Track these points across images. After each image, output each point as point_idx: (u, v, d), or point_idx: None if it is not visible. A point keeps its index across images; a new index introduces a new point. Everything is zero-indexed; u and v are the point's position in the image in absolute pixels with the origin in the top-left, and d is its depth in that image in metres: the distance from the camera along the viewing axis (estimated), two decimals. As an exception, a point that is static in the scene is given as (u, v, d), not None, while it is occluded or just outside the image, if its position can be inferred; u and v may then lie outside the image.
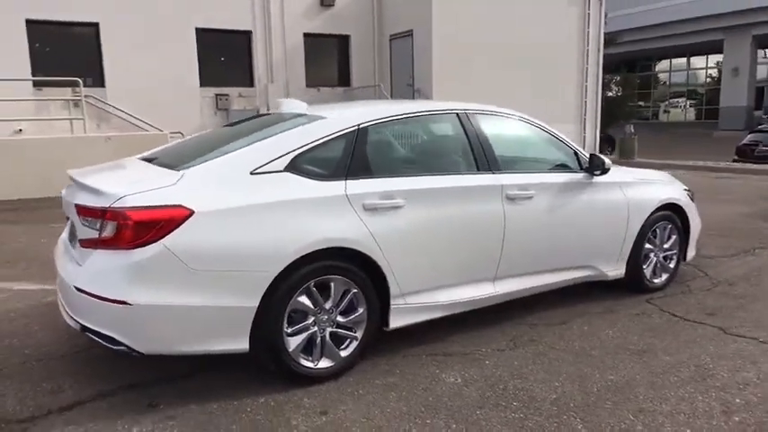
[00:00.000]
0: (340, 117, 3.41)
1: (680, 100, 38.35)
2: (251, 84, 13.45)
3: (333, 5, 14.04)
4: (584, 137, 15.61)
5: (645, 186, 4.60)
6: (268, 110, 13.52)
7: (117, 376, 3.23)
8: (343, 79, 14.65)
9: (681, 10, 30.03)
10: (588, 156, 4.23)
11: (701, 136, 28.94)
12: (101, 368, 3.33)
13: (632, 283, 4.64)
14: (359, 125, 3.37)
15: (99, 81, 11.81)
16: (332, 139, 3.28)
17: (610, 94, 20.84)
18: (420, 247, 3.41)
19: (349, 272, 3.17)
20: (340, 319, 3.21)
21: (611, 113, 19.76)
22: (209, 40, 12.78)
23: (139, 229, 2.69)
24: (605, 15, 16.58)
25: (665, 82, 39.06)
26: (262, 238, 2.90)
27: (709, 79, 36.88)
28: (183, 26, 12.36)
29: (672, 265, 4.85)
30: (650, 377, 3.24)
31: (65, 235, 3.50)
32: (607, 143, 18.20)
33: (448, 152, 3.87)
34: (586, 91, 15.39)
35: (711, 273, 5.29)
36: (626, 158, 16.11)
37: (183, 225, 2.74)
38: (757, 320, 4.09)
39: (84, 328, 2.86)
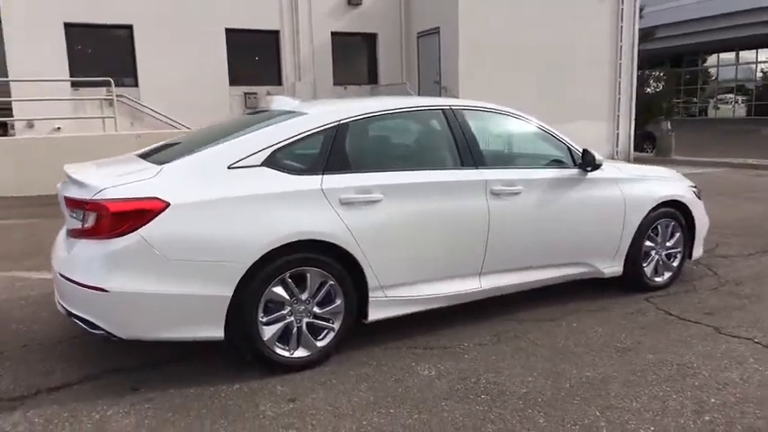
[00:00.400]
0: (321, 113, 3.49)
1: (729, 96, 36.92)
2: (279, 82, 13.68)
3: (360, 4, 14.13)
4: (618, 134, 15.27)
5: (644, 183, 4.50)
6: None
7: (105, 361, 3.39)
8: (371, 77, 14.74)
9: (728, 3, 28.91)
10: (581, 152, 4.17)
11: (749, 133, 27.77)
12: (92, 353, 3.50)
13: (632, 282, 4.56)
14: (339, 121, 3.44)
15: (133, 81, 12.25)
16: (311, 134, 3.36)
17: (648, 90, 20.25)
18: (399, 241, 3.45)
19: (325, 264, 3.24)
20: (317, 310, 3.29)
21: (651, 110, 19.23)
22: (238, 40, 13.07)
23: (117, 219, 2.83)
24: (641, 10, 16.15)
25: (714, 77, 37.67)
26: (235, 229, 3.00)
27: (760, 74, 35.39)
28: (212, 27, 12.68)
29: (675, 264, 4.73)
30: (628, 375, 3.19)
31: (64, 228, 3.69)
32: (647, 140, 17.71)
33: (430, 148, 3.90)
34: (619, 87, 15.02)
35: (722, 272, 5.14)
36: (662, 156, 15.68)
37: (159, 216, 2.87)
38: (757, 321, 3.96)
39: (69, 313, 3.03)
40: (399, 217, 3.43)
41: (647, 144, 17.62)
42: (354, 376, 3.21)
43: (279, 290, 3.15)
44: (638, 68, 16.12)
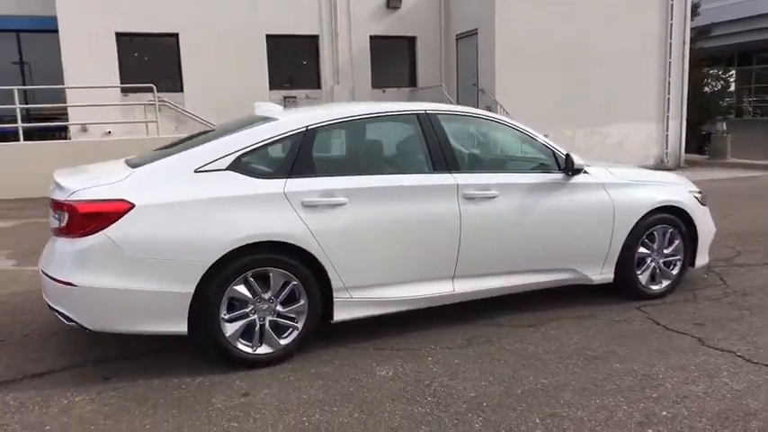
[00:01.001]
0: (290, 119, 3.60)
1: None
2: (318, 86, 13.96)
3: (399, 7, 14.22)
4: (667, 136, 14.65)
5: (637, 188, 4.37)
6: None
7: (91, 352, 3.63)
8: (409, 80, 14.80)
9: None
10: (564, 156, 4.11)
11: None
12: (83, 344, 3.75)
13: (626, 289, 4.44)
14: (307, 127, 3.55)
15: (178, 87, 12.82)
16: (278, 140, 3.48)
17: (706, 89, 19.26)
18: (364, 243, 3.52)
19: (288, 265, 3.35)
20: (280, 308, 3.40)
21: (709, 110, 18.31)
22: (277, 46, 13.43)
23: (86, 219, 3.04)
24: (696, 6, 15.45)
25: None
26: (197, 230, 3.16)
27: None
28: (254, 34, 13.09)
29: (675, 272, 4.57)
30: (585, 383, 3.14)
31: None
32: (707, 141, 16.86)
33: (400, 152, 3.95)
34: (669, 87, 14.41)
35: (733, 281, 4.91)
36: (716, 158, 14.95)
37: (125, 217, 3.06)
38: (747, 333, 3.79)
39: (50, 307, 3.27)
40: (365, 220, 3.50)
41: (707, 146, 16.77)
42: (314, 374, 3.30)
43: (241, 288, 3.29)
44: (696, 66, 15.41)
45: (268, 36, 13.27)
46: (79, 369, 3.42)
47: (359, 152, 3.88)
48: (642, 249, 4.42)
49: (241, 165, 3.36)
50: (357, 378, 3.25)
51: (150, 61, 12.78)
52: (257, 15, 13.02)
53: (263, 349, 3.38)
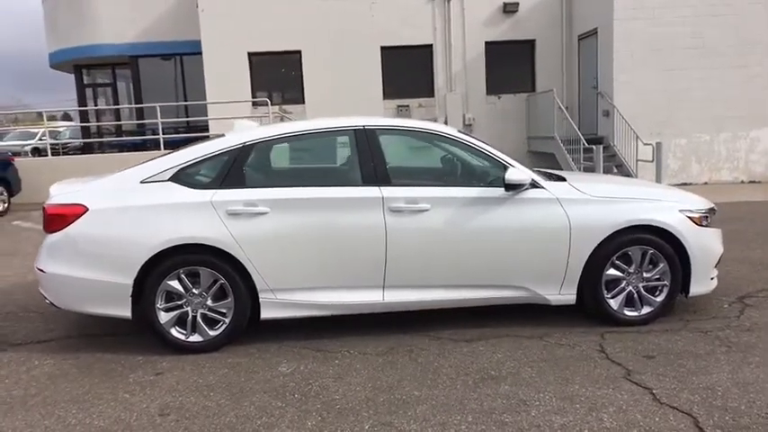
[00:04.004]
0: (234, 136, 4.05)
1: None
2: (431, 94, 14.25)
3: (516, 11, 13.94)
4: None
5: (606, 205, 4.06)
6: (446, 119, 14.19)
7: (87, 328, 4.46)
8: (527, 85, 14.39)
9: None
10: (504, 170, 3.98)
11: None
12: (86, 323, 4.60)
13: (598, 314, 4.16)
14: (244, 143, 3.98)
15: (300, 99, 14.04)
16: (217, 154, 3.96)
17: None
18: (286, 249, 3.84)
19: (215, 265, 3.81)
20: (211, 303, 3.88)
21: None
22: (392, 57, 14.01)
23: (53, 219, 3.82)
24: None
25: None
26: (135, 231, 3.76)
27: None
28: (369, 47, 13.83)
29: (660, 299, 4.15)
30: (452, 400, 3.13)
31: None
32: None
33: (332, 166, 4.16)
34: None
35: (751, 315, 4.31)
36: None
37: (81, 218, 3.78)
38: (693, 372, 3.38)
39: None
40: (286, 228, 3.83)
41: None
42: (227, 363, 3.72)
43: (174, 283, 3.82)
44: None
45: (383, 48, 13.92)
46: (67, 340, 4.24)
47: (287, 166, 4.21)
48: (613, 271, 4.10)
49: (181, 177, 3.90)
50: (257, 371, 3.60)
51: (276, 76, 14.17)
52: (372, 29, 13.73)
53: (195, 338, 3.88)
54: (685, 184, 12.42)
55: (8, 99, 52.84)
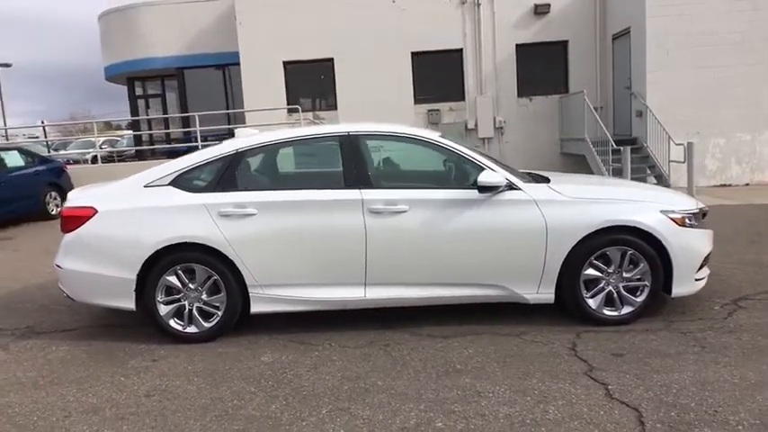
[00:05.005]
0: (228, 143, 4.39)
1: None
2: (461, 98, 14.34)
3: (548, 12, 13.87)
4: None
5: (581, 205, 4.15)
6: (476, 122, 14.26)
7: (102, 319, 4.89)
8: (560, 86, 14.27)
9: None
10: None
11: None
12: (99, 314, 5.03)
13: (578, 313, 4.25)
14: (237, 149, 4.30)
15: (333, 104, 14.43)
16: (213, 161, 4.30)
17: None
18: (272, 248, 4.13)
19: (209, 263, 4.15)
20: (206, 297, 4.22)
21: None
22: (422, 62, 14.21)
23: (68, 221, 4.25)
24: None
25: None
26: (137, 231, 4.14)
27: None
28: (400, 53, 14.07)
29: (640, 299, 4.20)
30: (409, 390, 3.32)
31: None
32: None
33: (318, 170, 4.41)
34: None
35: (738, 317, 4.29)
36: None
37: (91, 219, 4.20)
38: (657, 371, 3.44)
39: (61, 283, 4.58)
40: (272, 228, 4.12)
41: None
42: (217, 353, 4.04)
43: (172, 279, 4.18)
44: None
45: (413, 53, 14.14)
46: (80, 330, 4.67)
47: (275, 171, 4.50)
48: (591, 271, 4.18)
49: (179, 181, 4.26)
50: (242, 360, 3.90)
51: (310, 83, 14.62)
52: (403, 35, 13.97)
53: (191, 329, 4.23)
54: (724, 185, 12.06)
55: (81, 110, 58.01)
